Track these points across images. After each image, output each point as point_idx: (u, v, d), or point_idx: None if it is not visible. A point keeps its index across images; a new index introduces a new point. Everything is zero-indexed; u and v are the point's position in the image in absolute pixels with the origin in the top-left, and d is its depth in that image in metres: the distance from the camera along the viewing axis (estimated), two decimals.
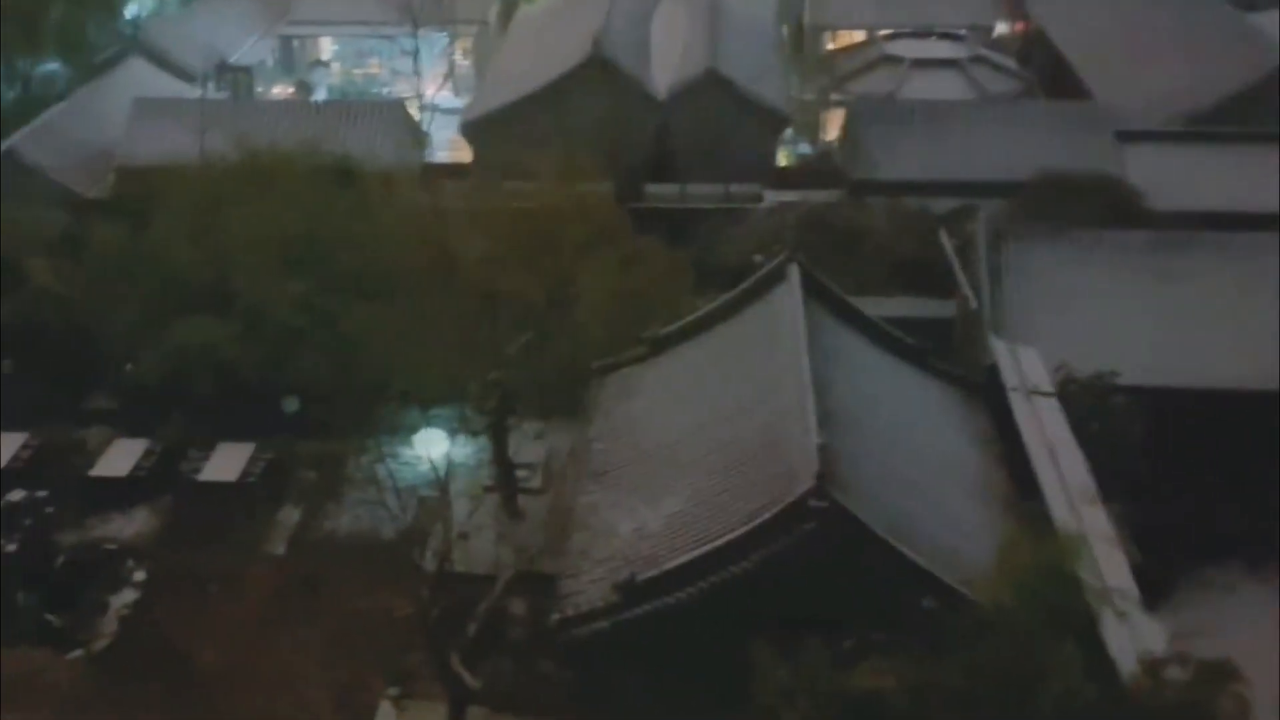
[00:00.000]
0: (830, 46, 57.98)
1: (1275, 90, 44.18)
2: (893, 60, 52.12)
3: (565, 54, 46.25)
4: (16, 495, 31.01)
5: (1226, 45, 47.37)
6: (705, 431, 26.69)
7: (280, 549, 30.93)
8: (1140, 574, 21.69)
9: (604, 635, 22.61)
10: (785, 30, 58.05)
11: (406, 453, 31.88)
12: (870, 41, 56.00)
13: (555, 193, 33.16)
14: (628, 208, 36.65)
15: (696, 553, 22.66)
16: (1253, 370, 29.70)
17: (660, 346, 30.46)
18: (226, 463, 33.31)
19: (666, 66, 46.86)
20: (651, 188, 42.78)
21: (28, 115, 49.25)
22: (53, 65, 57.13)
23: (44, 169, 43.59)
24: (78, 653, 27.84)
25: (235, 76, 56.27)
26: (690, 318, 30.41)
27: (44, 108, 50.71)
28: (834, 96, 50.85)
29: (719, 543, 22.51)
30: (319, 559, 29.94)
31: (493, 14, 59.04)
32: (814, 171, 46.34)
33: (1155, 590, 21.94)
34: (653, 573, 22.72)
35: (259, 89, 57.75)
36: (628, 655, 22.08)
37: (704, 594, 22.31)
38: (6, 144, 44.31)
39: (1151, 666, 17.91)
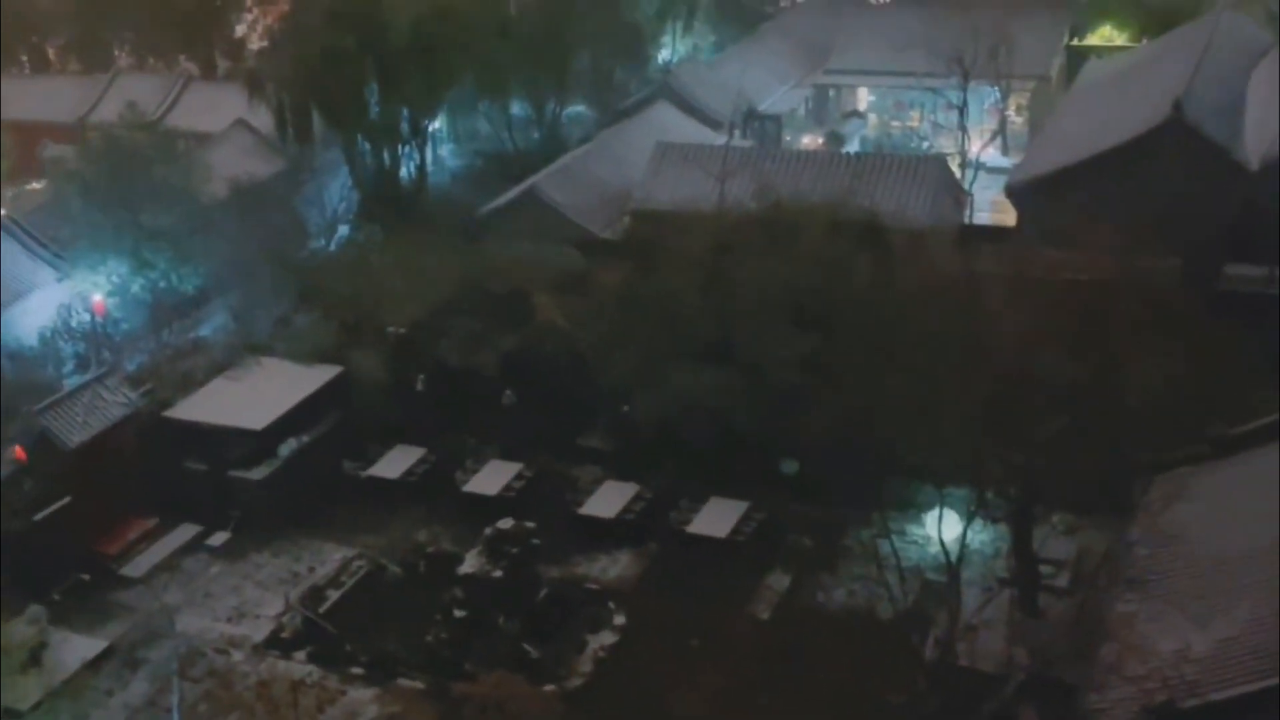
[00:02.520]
0: None
1: None
2: None
3: (1139, 115, 45.80)
4: (506, 523, 34.58)
5: None
6: (1275, 550, 25.52)
7: (765, 613, 32.60)
8: None
9: None
10: None
11: (914, 531, 32.74)
12: None
13: (1112, 266, 32.94)
14: (1199, 289, 35.75)
15: (1253, 687, 21.75)
16: None
17: (1228, 448, 29.46)
18: (717, 518, 35.61)
19: (1263, 133, 45.19)
20: (1232, 269, 41.36)
21: (551, 155, 55.58)
22: (579, 108, 64.06)
23: (561, 208, 48.67)
24: (551, 687, 30.65)
25: (763, 124, 60.36)
26: (1269, 419, 29.23)
27: (567, 149, 57.02)
28: None
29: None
30: (806, 629, 31.25)
31: (1055, 68, 59.53)
32: None
33: None
34: (1196, 702, 22.04)
35: (787, 138, 61.48)
36: None
37: None
38: (528, 183, 50.12)
39: None
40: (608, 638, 32.41)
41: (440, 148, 62.60)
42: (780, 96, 63.20)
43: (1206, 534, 27.20)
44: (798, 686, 28.91)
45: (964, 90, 54.14)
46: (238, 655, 32.54)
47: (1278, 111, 46.07)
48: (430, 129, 60.38)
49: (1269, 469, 28.33)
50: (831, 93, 65.79)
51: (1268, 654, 22.38)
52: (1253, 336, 33.14)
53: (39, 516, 35.10)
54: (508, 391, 41.21)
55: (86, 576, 35.61)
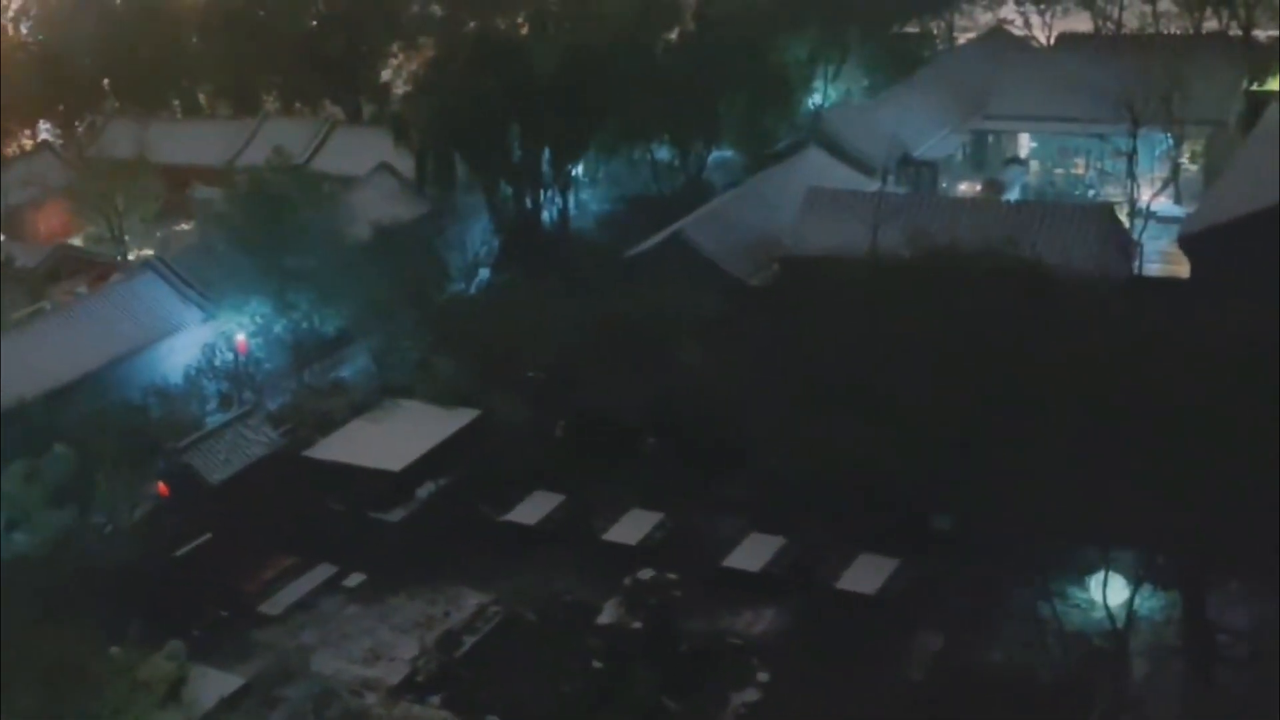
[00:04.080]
0: None
1: None
2: None
3: None
4: (646, 574, 34.59)
5: None
6: None
7: (918, 675, 32.02)
8: None
9: None
10: None
11: (1077, 594, 31.95)
12: None
13: None
14: None
15: None
16: None
17: None
18: (867, 574, 35.18)
19: None
20: None
21: (697, 201, 55.90)
22: (726, 152, 64.44)
23: (708, 253, 48.89)
24: None
25: (918, 171, 59.97)
26: None
27: (714, 194, 57.29)
28: None
29: None
30: (961, 692, 30.58)
31: (1233, 114, 58.21)
32: None
33: None
34: None
35: (943, 185, 60.98)
36: None
37: None
38: (675, 227, 50.45)
39: None
40: (751, 695, 32.14)
41: (583, 192, 63.42)
42: (936, 142, 62.72)
43: None
44: None
45: (1134, 136, 53.19)
46: (371, 698, 33.00)
47: None
48: (573, 173, 61.32)
49: None
50: (990, 139, 65.04)
51: None
52: None
53: (180, 552, 36.15)
54: (650, 439, 41.29)
55: (226, 613, 36.49)
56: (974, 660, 32.08)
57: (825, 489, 36.39)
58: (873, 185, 56.44)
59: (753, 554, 36.92)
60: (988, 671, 31.53)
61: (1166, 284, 45.85)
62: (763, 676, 32.72)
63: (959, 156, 64.16)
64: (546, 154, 59.03)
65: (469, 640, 35.15)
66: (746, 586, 35.96)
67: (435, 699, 32.83)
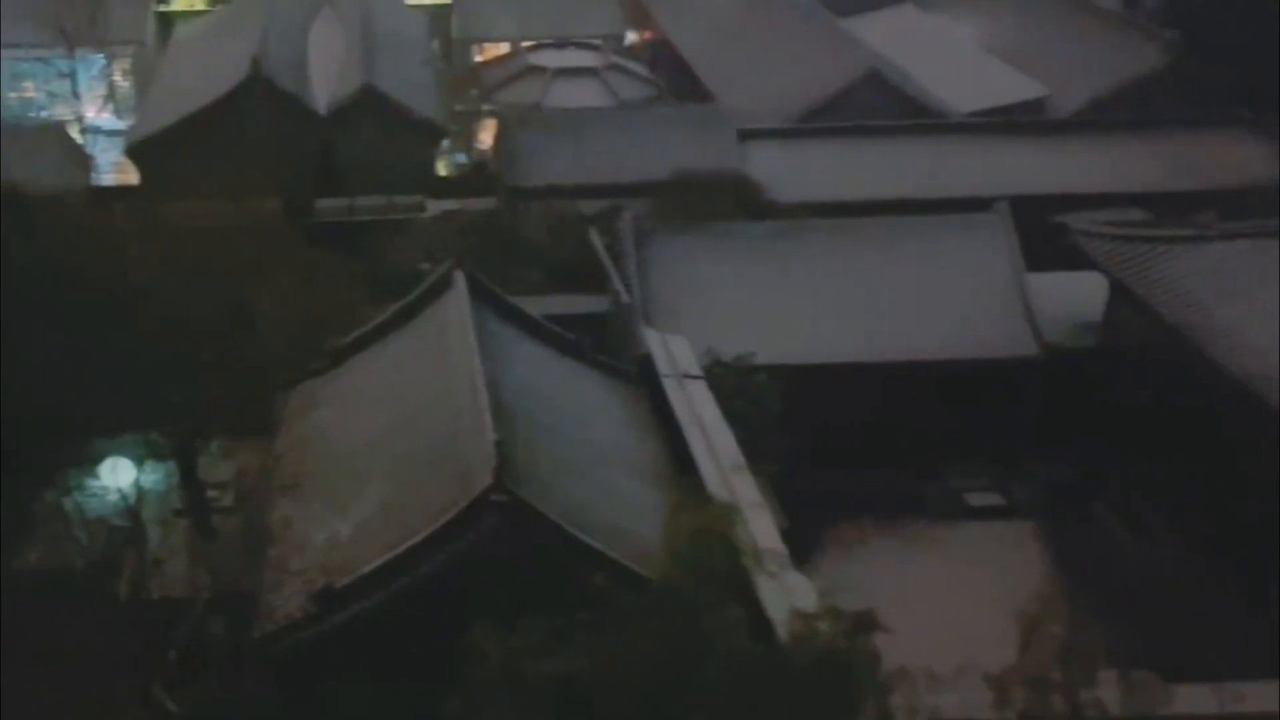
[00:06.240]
0: (479, 58, 56.92)
1: (873, 87, 45.77)
2: (536, 70, 51.72)
3: (225, 73, 43.41)
4: None
5: (828, 49, 49.15)
6: (388, 437, 25.83)
7: None
8: (788, 535, 22.41)
9: (307, 646, 21.42)
10: (436, 44, 56.67)
11: (94, 483, 29.08)
12: (515, 53, 55.41)
13: (225, 211, 31.05)
14: (299, 223, 34.76)
15: (386, 557, 21.79)
16: (866, 343, 31.52)
17: (340, 358, 29.32)
18: None
19: (325, 83, 44.90)
20: (320, 202, 40.83)
21: None
22: None
23: None
24: None
25: None
26: (366, 328, 29.37)
27: None
28: (484, 107, 49.90)
29: (407, 545, 21.72)
30: (8, 599, 26.66)
31: (149, 34, 54.42)
32: (472, 180, 45.50)
33: (802, 549, 22.74)
34: (347, 580, 21.72)
35: None
36: (335, 664, 20.91)
37: (400, 596, 21.51)
38: None
39: (804, 621, 18.10)
40: None
41: None
42: None
43: (335, 433, 27.01)
44: (11, 655, 24.55)
45: (71, 59, 47.95)
46: None
47: (335, 64, 46.07)
48: None
49: (372, 368, 28.61)
50: None
51: (394, 525, 22.57)
52: (345, 259, 32.85)
53: None
54: None
55: None
56: (15, 565, 28.05)
57: None
58: None
59: None
60: (29, 573, 27.74)
61: (121, 191, 42.44)
62: None
63: None
64: None
65: None
66: None
67: None
